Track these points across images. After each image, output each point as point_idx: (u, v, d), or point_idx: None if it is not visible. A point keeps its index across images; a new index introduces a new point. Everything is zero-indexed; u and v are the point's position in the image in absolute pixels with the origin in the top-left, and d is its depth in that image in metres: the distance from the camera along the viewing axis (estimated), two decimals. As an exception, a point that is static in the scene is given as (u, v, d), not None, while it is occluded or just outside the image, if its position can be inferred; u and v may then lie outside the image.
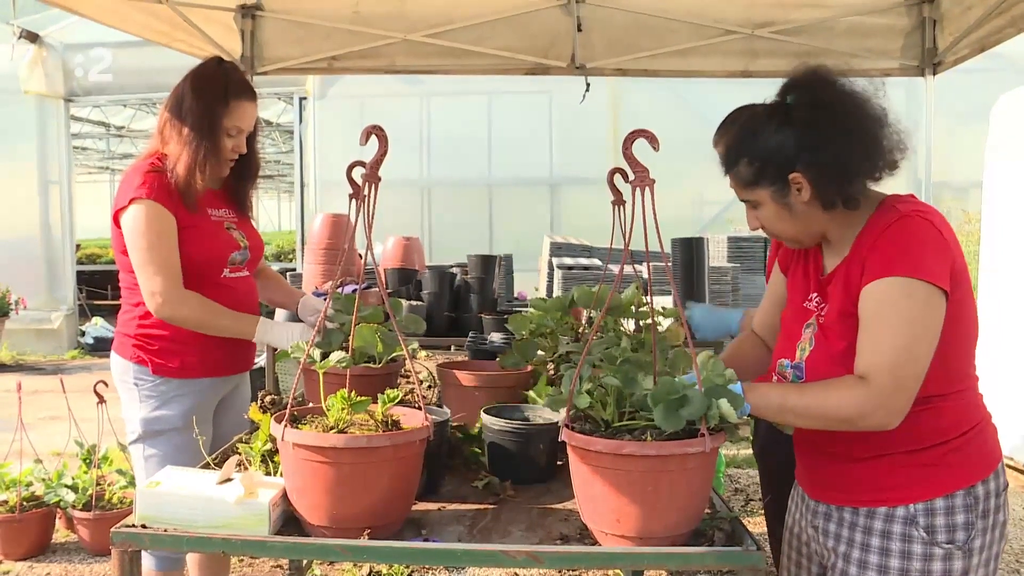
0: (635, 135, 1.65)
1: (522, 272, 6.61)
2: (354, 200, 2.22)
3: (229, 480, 1.71)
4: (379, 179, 1.71)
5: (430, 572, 3.82)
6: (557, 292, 6.72)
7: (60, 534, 4.31)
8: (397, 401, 1.75)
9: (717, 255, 7.30)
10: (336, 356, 1.83)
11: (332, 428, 1.66)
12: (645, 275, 2.13)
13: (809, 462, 1.89)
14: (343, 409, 1.67)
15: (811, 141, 1.68)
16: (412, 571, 3.76)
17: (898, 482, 1.72)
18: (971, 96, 6.68)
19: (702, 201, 10.06)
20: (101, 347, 10.76)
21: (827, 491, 1.83)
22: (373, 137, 1.71)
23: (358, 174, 2.17)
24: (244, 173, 2.70)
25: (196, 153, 2.46)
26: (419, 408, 1.80)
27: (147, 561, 2.48)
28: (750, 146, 1.77)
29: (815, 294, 1.83)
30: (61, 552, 4.17)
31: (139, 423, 2.55)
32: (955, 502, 1.70)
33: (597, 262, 7.26)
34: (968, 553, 1.70)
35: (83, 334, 11.02)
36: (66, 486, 4.16)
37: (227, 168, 2.62)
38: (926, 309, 1.61)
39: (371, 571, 3.75)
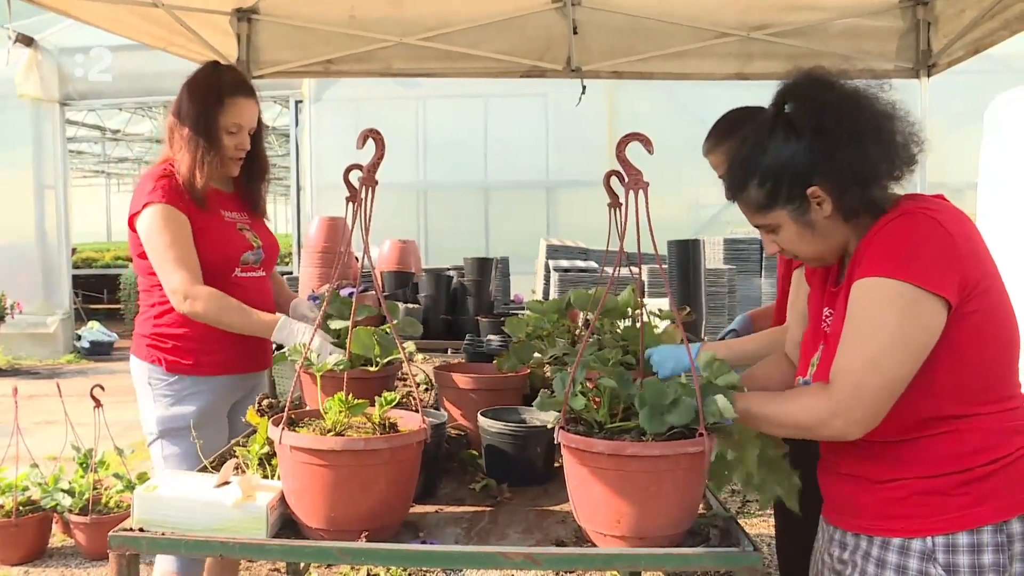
0: (629, 138, 1.64)
1: (518, 275, 6.62)
2: (351, 203, 2.24)
3: (227, 483, 1.70)
4: (376, 182, 1.71)
5: (427, 575, 3.82)
6: (554, 294, 6.74)
7: (56, 539, 4.31)
8: (394, 404, 1.75)
9: (713, 257, 7.33)
10: (333, 359, 1.83)
11: (330, 431, 1.66)
12: (642, 277, 2.15)
13: (825, 483, 1.77)
14: (340, 412, 1.67)
15: (824, 149, 1.56)
16: (409, 574, 3.76)
17: (912, 511, 1.57)
18: (965, 98, 6.70)
19: (698, 203, 10.08)
20: (97, 351, 10.77)
21: (842, 516, 1.70)
22: (370, 140, 1.71)
23: (354, 177, 2.18)
24: (253, 174, 2.75)
25: (195, 153, 2.53)
26: (416, 411, 1.81)
27: (168, 563, 2.48)
28: (757, 165, 1.63)
29: (827, 308, 1.72)
30: (58, 557, 4.16)
31: (155, 422, 2.57)
32: (982, 539, 1.52)
33: (593, 264, 7.27)
34: None
35: (79, 338, 11.01)
36: (63, 490, 4.16)
37: (235, 167, 2.67)
38: (907, 315, 1.47)
39: (369, 574, 3.75)
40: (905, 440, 1.57)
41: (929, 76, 4.14)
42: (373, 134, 1.69)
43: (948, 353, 1.52)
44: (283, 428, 1.62)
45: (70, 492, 4.15)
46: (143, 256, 2.55)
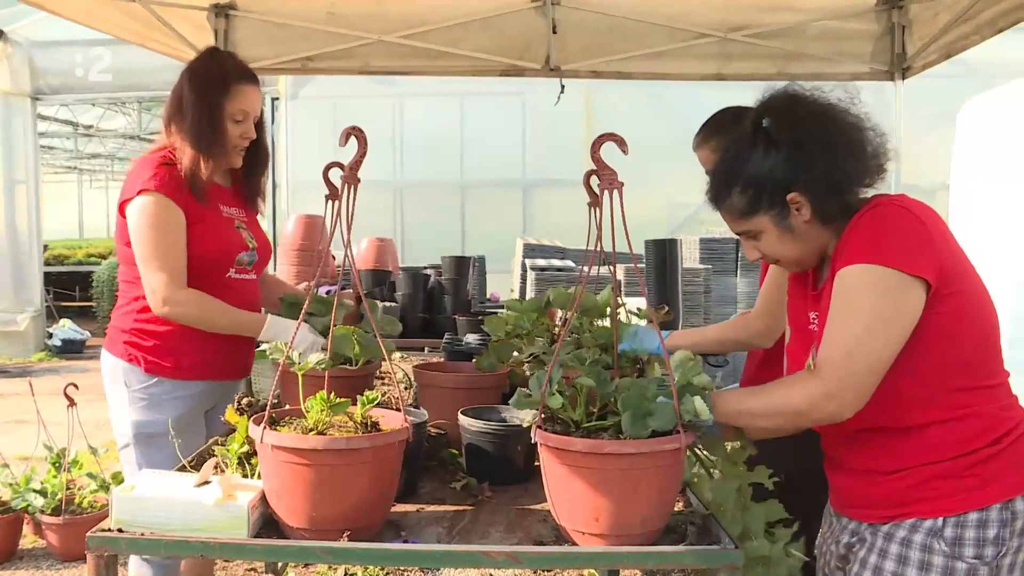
0: (603, 139, 1.67)
1: (495, 274, 6.62)
2: (330, 201, 2.23)
3: (207, 482, 1.69)
4: (358, 180, 1.70)
5: (405, 574, 3.82)
6: (530, 293, 6.74)
7: (27, 540, 4.24)
8: (375, 403, 1.74)
9: (690, 256, 7.36)
10: (315, 358, 1.83)
11: (311, 430, 1.65)
12: (619, 276, 2.16)
13: (834, 478, 1.83)
14: (322, 411, 1.66)
15: (801, 159, 1.66)
16: (387, 573, 3.75)
17: (926, 495, 1.64)
18: (937, 101, 6.79)
19: (675, 203, 10.12)
20: (69, 349, 10.63)
21: (854, 508, 1.77)
22: (351, 138, 1.70)
23: (334, 175, 2.17)
24: (254, 165, 2.64)
25: (199, 143, 2.41)
26: (397, 410, 1.81)
27: (143, 569, 2.39)
28: (739, 175, 1.73)
29: (813, 312, 1.77)
30: (29, 559, 4.09)
31: (130, 426, 2.44)
32: (989, 516, 1.61)
33: (570, 263, 7.28)
34: (996, 570, 1.60)
35: (50, 336, 10.86)
36: (34, 491, 4.09)
37: (238, 158, 2.55)
38: (888, 298, 1.55)
39: (346, 573, 3.74)
40: (910, 428, 1.64)
41: (904, 79, 4.18)
42: (356, 132, 1.69)
43: (937, 332, 1.59)
44: (265, 427, 1.62)
45: (42, 492, 4.09)
46: (130, 245, 2.41)
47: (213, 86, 2.44)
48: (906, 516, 1.65)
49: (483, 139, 10.57)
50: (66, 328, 10.88)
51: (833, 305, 1.62)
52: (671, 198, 10.05)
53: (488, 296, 5.99)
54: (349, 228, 1.70)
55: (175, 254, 2.37)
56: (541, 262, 7.20)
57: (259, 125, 2.59)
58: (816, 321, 1.75)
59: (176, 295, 2.35)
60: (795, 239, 1.72)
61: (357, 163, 1.69)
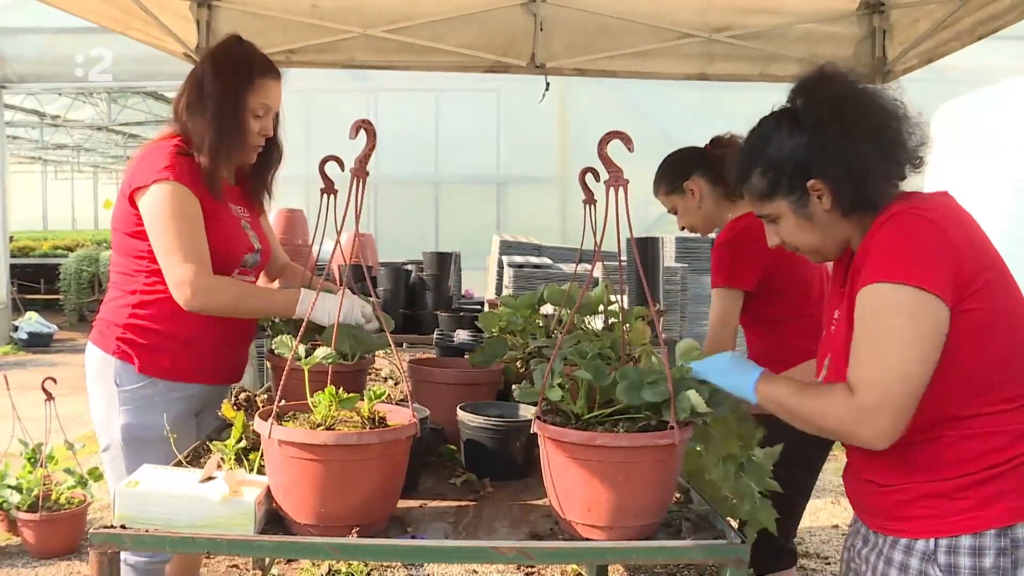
0: (611, 136, 1.67)
1: (469, 270, 6.61)
2: (325, 195, 2.21)
3: (211, 478, 1.67)
4: (367, 174, 1.69)
5: (389, 570, 3.80)
6: (508, 290, 6.74)
7: (1, 537, 4.16)
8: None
9: (666, 255, 7.39)
10: (322, 352, 1.82)
11: (319, 425, 1.64)
12: (600, 274, 2.17)
13: (847, 483, 1.78)
14: (331, 406, 1.65)
15: (823, 143, 1.59)
16: (371, 569, 3.74)
17: (918, 512, 1.57)
18: (909, 105, 6.91)
19: (646, 200, 10.12)
20: (36, 343, 10.43)
21: (862, 513, 1.73)
22: (359, 130, 1.69)
23: (328, 169, 2.16)
24: (267, 159, 2.52)
25: (220, 137, 2.30)
26: (401, 404, 1.80)
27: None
28: (762, 155, 1.67)
29: (836, 311, 1.72)
30: (2, 556, 4.01)
31: (119, 429, 2.32)
32: (984, 543, 1.51)
33: (547, 260, 7.29)
34: None
35: (16, 329, 10.65)
36: (9, 487, 4.02)
37: (255, 155, 2.45)
38: (915, 320, 1.47)
39: (330, 569, 3.72)
40: (913, 443, 1.56)
41: (884, 82, 4.23)
42: (365, 125, 1.68)
43: (945, 353, 1.50)
44: (272, 422, 1.60)
45: (17, 488, 4.01)
46: (135, 235, 2.30)
47: (238, 76, 2.34)
48: (900, 532, 1.59)
49: (457, 135, 10.56)
50: (33, 321, 10.66)
51: (860, 326, 1.54)
52: (642, 196, 10.04)
53: (463, 293, 5.98)
54: (357, 220, 1.69)
55: (201, 243, 2.26)
56: (519, 259, 7.20)
57: (275, 121, 2.48)
58: (837, 320, 1.71)
59: (208, 283, 2.24)
60: (814, 228, 1.66)
61: (366, 156, 1.68)
